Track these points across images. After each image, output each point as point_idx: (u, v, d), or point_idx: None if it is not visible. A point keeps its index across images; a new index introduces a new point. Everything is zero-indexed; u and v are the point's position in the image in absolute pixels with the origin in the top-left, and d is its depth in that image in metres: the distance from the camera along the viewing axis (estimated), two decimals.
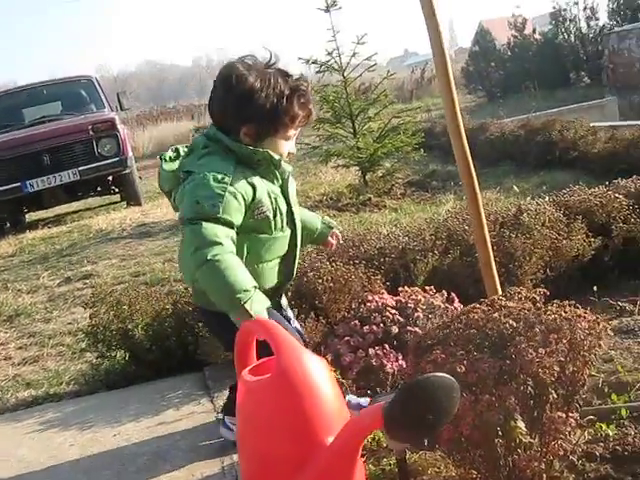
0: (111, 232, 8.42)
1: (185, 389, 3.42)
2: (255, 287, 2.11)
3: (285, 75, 2.28)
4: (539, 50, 20.91)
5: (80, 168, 10.03)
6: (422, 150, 8.73)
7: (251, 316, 2.05)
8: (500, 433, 2.15)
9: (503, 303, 2.31)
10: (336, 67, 8.35)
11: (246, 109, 2.21)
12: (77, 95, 11.50)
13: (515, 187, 5.51)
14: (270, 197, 2.31)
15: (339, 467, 1.73)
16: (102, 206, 11.78)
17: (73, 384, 4.07)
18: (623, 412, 2.70)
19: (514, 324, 2.17)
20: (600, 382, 2.95)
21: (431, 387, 1.51)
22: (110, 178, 10.76)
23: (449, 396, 1.54)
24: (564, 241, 3.92)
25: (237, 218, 2.18)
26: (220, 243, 2.07)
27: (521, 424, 2.18)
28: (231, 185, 2.17)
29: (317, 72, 8.46)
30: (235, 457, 2.55)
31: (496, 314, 2.22)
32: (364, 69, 8.88)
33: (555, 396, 2.15)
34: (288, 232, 2.41)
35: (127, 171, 10.50)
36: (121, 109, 11.86)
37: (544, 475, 2.32)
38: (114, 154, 10.26)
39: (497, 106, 15.43)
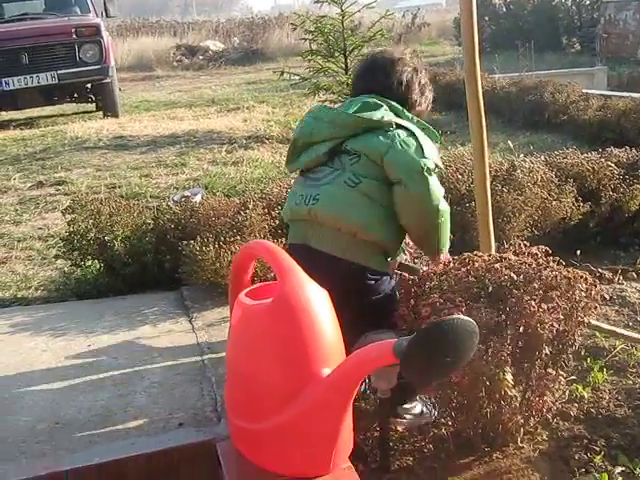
0: (87, 141, 8.21)
1: (162, 306, 3.36)
2: None
3: None
4: (534, 10, 20.70)
5: (59, 72, 9.71)
6: None
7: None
8: (488, 383, 2.14)
9: (504, 255, 2.28)
10: None
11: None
12: None
13: (510, 143, 5.47)
14: None
15: (335, 401, 1.70)
16: (76, 114, 11.46)
17: (42, 290, 3.98)
18: (599, 377, 2.72)
19: (514, 277, 2.15)
20: (577, 344, 2.98)
21: (457, 329, 1.49)
22: (89, 86, 10.45)
23: (470, 340, 1.51)
24: (554, 202, 3.91)
25: None
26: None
27: (509, 377, 2.18)
28: None
29: (315, 1, 8.20)
30: (214, 379, 2.52)
31: (497, 265, 2.18)
32: (363, 5, 8.66)
33: (548, 352, 2.14)
34: None
35: (108, 80, 10.20)
36: (107, 16, 11.40)
37: (521, 430, 2.34)
38: (96, 61, 9.95)
39: (487, 61, 15.23)
